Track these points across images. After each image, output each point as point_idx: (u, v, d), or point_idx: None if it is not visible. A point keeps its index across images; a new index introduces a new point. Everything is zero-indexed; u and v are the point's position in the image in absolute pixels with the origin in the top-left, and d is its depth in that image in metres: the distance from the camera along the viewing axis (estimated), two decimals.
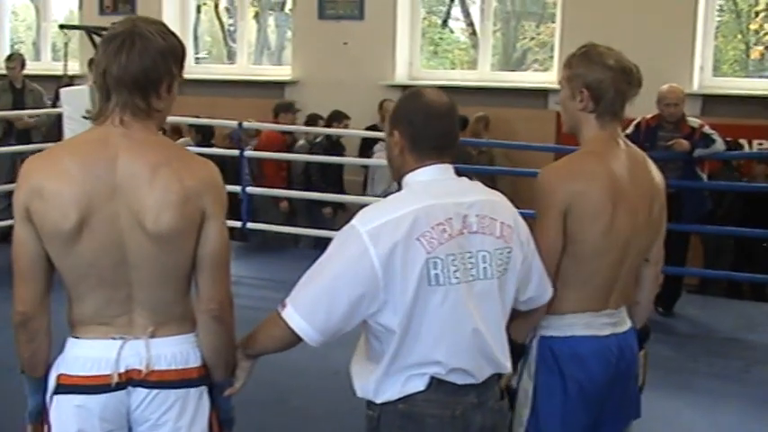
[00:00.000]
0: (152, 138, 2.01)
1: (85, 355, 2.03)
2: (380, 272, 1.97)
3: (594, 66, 2.39)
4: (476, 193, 2.13)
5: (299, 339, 2.05)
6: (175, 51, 2.02)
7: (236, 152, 7.56)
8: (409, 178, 2.13)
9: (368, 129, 8.10)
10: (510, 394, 2.45)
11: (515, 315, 2.32)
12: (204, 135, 8.19)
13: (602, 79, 2.38)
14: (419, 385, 2.06)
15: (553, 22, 8.76)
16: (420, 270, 1.98)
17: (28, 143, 7.86)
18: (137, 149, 1.96)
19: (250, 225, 7.39)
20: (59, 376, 2.05)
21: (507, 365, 2.18)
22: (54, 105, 7.87)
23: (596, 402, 2.46)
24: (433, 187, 2.09)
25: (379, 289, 1.98)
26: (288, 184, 8.07)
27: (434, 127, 2.10)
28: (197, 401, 2.10)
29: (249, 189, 7.45)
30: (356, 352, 2.20)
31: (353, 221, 2.04)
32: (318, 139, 8.03)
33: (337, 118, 8.09)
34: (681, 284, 6.49)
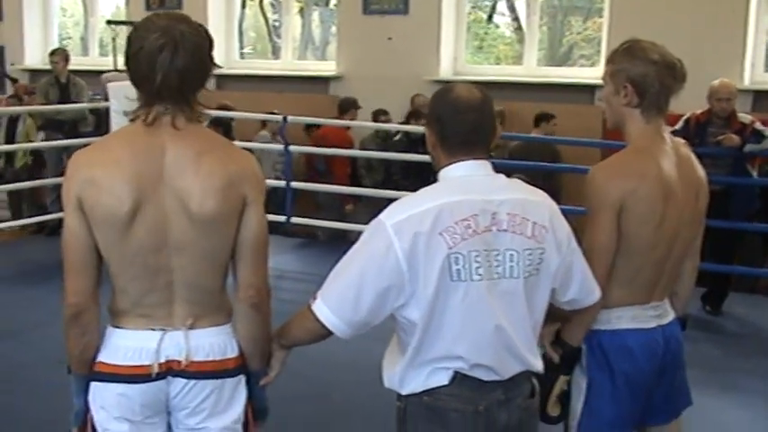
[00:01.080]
0: (196, 128, 2.08)
1: (126, 344, 2.08)
2: (405, 265, 1.99)
3: (638, 60, 2.39)
4: (510, 192, 2.11)
5: (329, 332, 2.08)
6: (211, 45, 2.07)
7: (280, 147, 7.59)
8: (443, 173, 2.14)
9: (403, 122, 8.11)
10: (565, 395, 2.49)
11: (568, 318, 2.34)
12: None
13: (647, 73, 2.38)
14: (443, 379, 2.08)
15: (600, 17, 8.66)
16: (441, 264, 1.99)
17: (76, 137, 8.01)
18: (182, 138, 2.03)
19: (294, 219, 7.43)
20: (99, 363, 2.10)
21: (536, 364, 2.17)
22: (105, 99, 7.97)
23: (645, 393, 2.49)
24: (465, 183, 2.08)
25: (405, 282, 2.00)
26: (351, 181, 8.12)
27: (462, 122, 2.09)
28: (233, 390, 2.16)
29: (293, 184, 7.48)
30: (389, 345, 2.21)
31: (381, 215, 2.06)
32: (398, 137, 7.97)
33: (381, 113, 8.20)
34: (729, 283, 6.39)
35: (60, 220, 8.29)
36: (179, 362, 2.08)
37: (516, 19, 9.76)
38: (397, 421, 2.17)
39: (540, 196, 2.17)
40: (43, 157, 8.46)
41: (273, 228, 8.68)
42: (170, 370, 2.08)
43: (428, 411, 2.09)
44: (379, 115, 8.24)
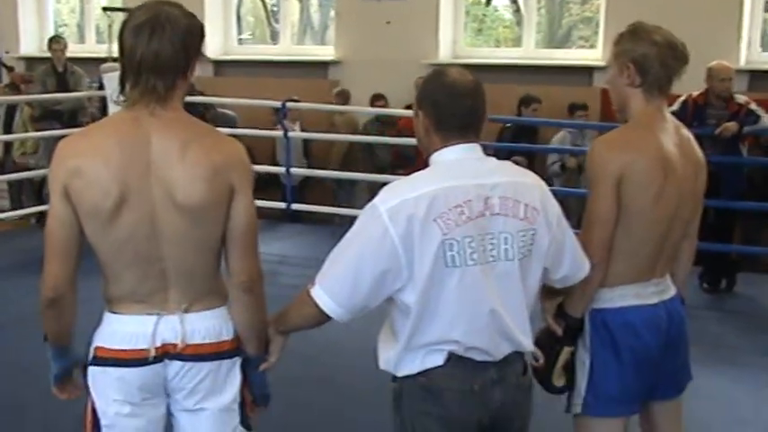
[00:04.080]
0: (182, 116, 2.10)
1: (123, 330, 2.13)
2: (401, 249, 2.01)
3: (641, 41, 2.45)
4: (501, 174, 2.14)
5: (327, 317, 2.12)
6: (201, 30, 2.10)
7: (280, 133, 7.61)
8: (435, 157, 2.15)
9: (407, 107, 8.12)
10: (569, 368, 2.54)
11: (570, 291, 2.39)
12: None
13: (648, 54, 2.43)
14: (438, 360, 2.12)
15: None
16: (436, 251, 2.02)
17: (75, 126, 8.02)
18: (168, 127, 2.05)
19: (295, 206, 7.46)
20: (97, 348, 2.15)
21: (526, 344, 2.21)
22: (100, 88, 7.98)
23: (651, 368, 2.53)
24: (457, 167, 2.10)
25: (402, 266, 2.03)
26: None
27: (459, 106, 2.11)
28: (228, 372, 2.21)
29: (293, 170, 7.51)
30: (383, 327, 2.24)
31: (375, 199, 2.08)
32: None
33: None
34: (726, 261, 6.43)
35: None
36: (175, 345, 2.12)
37: (515, 1, 9.74)
38: (393, 402, 2.21)
39: (530, 178, 2.21)
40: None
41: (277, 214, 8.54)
42: (167, 353, 2.12)
43: (423, 391, 2.13)
44: (375, 100, 8.27)
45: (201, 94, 8.03)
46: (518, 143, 7.39)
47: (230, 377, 2.22)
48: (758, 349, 5.23)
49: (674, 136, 2.48)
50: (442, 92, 2.12)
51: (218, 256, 2.16)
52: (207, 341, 2.15)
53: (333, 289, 2.08)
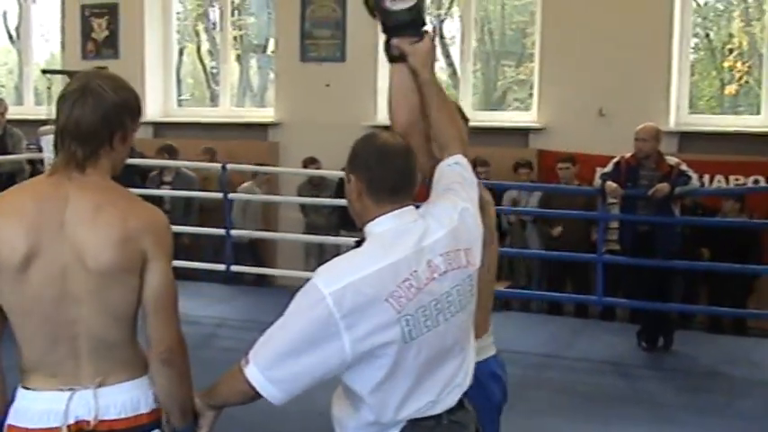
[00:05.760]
0: (102, 182, 2.09)
1: (35, 407, 2.06)
2: (346, 335, 1.95)
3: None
4: (436, 228, 2.10)
5: (260, 396, 2.04)
6: (129, 105, 2.11)
7: (220, 195, 7.61)
8: (371, 228, 2.11)
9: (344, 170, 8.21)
10: None
11: None
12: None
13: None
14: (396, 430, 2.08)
15: (532, 61, 8.89)
16: (393, 333, 1.97)
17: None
18: (84, 190, 2.04)
19: (234, 268, 7.41)
20: (9, 427, 2.08)
21: (469, 382, 2.20)
22: (39, 151, 7.89)
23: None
24: (395, 238, 2.05)
25: (347, 351, 1.96)
26: None
27: (390, 167, 2.09)
28: None
29: (234, 232, 7.49)
30: (336, 394, 2.18)
31: (315, 280, 1.99)
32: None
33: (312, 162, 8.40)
34: (663, 319, 6.55)
35: None
36: (88, 422, 2.05)
37: (451, 64, 9.95)
38: None
39: (446, 201, 2.20)
40: None
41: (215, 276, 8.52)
42: (80, 430, 2.05)
43: None
44: (309, 162, 8.35)
45: (141, 155, 8.01)
46: None
47: None
48: (697, 407, 5.29)
49: None
50: (374, 154, 2.10)
51: (132, 323, 2.11)
52: (122, 416, 2.08)
53: (270, 372, 1.99)
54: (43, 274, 2.00)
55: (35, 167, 8.03)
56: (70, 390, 2.05)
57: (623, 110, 7.46)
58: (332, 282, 1.97)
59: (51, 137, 7.05)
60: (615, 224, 6.90)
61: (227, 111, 9.75)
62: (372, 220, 2.11)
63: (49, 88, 8.92)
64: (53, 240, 2.00)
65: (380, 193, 2.09)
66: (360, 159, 2.13)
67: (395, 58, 2.38)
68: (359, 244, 2.14)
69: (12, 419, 2.08)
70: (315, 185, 8.43)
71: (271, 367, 1.99)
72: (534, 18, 8.60)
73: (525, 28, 9.46)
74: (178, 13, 10.18)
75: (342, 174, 7.58)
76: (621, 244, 6.68)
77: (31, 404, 2.07)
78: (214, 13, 10.47)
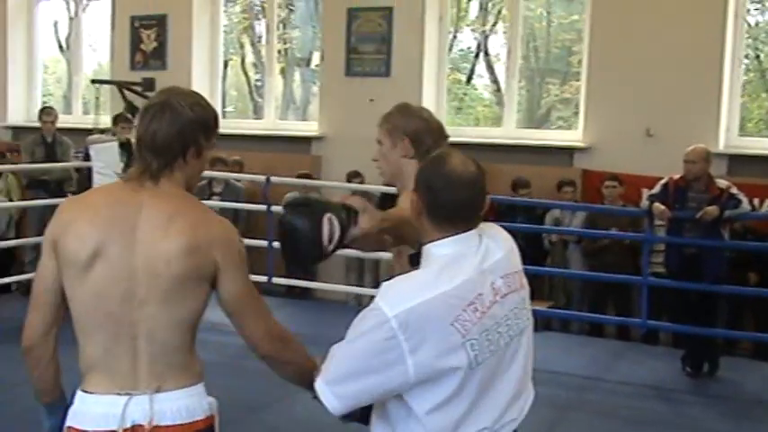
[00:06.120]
0: (175, 192, 2.18)
1: (93, 411, 2.13)
2: (413, 375, 1.93)
3: (412, 117, 2.65)
4: (495, 250, 2.10)
5: None
6: (204, 122, 2.21)
7: (263, 207, 7.63)
8: (431, 249, 2.07)
9: (387, 184, 8.21)
10: None
11: None
12: None
13: (419, 128, 2.62)
14: None
15: (577, 80, 8.83)
16: (459, 357, 1.95)
17: (61, 196, 8.02)
18: (159, 199, 2.14)
19: (275, 279, 7.43)
20: (69, 428, 2.16)
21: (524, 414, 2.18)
22: (85, 159, 8.00)
23: None
24: (457, 261, 2.02)
25: (409, 384, 1.95)
26: None
27: (452, 197, 2.03)
28: None
29: (276, 244, 7.50)
30: (378, 414, 2.13)
31: (379, 302, 1.97)
32: None
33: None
34: (709, 345, 6.43)
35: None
36: (143, 426, 2.10)
37: (495, 81, 9.91)
38: None
39: (499, 231, 2.21)
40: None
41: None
42: None
43: None
44: (352, 177, 8.34)
45: None
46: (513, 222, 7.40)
47: None
48: None
49: None
50: (439, 180, 2.04)
51: (193, 331, 2.18)
52: (177, 422, 2.13)
53: (333, 386, 2.00)
54: (109, 273, 2.09)
55: (82, 175, 8.14)
56: (127, 394, 2.11)
57: (671, 130, 7.36)
58: (396, 304, 1.95)
59: (100, 146, 7.20)
60: (661, 246, 6.80)
61: (271, 123, 9.80)
62: (432, 241, 2.07)
63: (97, 98, 9.05)
64: (123, 243, 2.09)
65: (440, 218, 2.05)
66: (424, 180, 2.08)
67: None
68: (414, 260, 2.13)
69: (71, 421, 2.16)
70: None
71: (335, 383, 2.00)
72: (581, 36, 8.55)
73: (571, 46, 9.39)
74: (224, 25, 10.27)
75: (384, 188, 7.76)
76: (667, 266, 6.58)
77: (90, 407, 2.13)
78: (260, 27, 10.55)
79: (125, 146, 7.62)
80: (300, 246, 2.11)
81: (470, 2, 9.87)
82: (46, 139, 8.29)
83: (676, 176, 6.24)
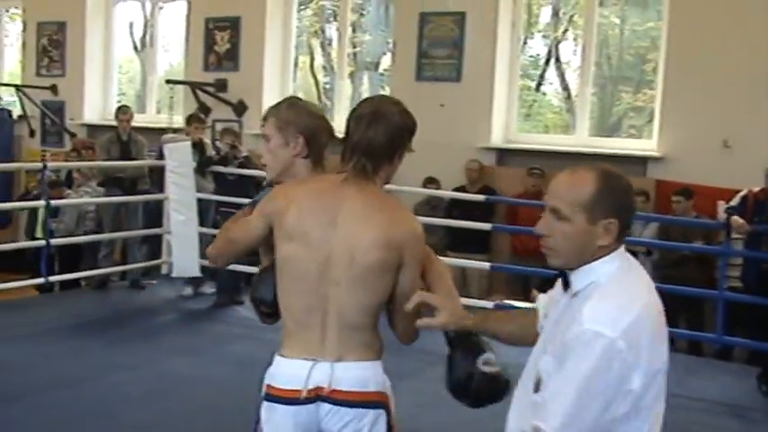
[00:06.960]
0: (378, 190, 2.45)
1: (285, 371, 2.45)
2: (640, 392, 1.89)
3: (307, 115, 2.63)
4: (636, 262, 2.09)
5: None
6: (410, 128, 2.48)
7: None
8: (600, 266, 1.98)
9: (455, 190, 8.20)
10: None
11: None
12: None
13: (316, 127, 2.62)
14: None
15: (651, 88, 8.67)
16: (662, 378, 1.93)
17: (135, 193, 8.17)
18: (362, 195, 2.41)
19: None
20: (267, 386, 2.48)
21: None
22: (159, 157, 8.13)
23: None
24: (630, 272, 2.00)
25: (634, 406, 1.90)
26: None
27: (634, 206, 2.08)
28: (371, 424, 2.43)
29: None
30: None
31: (598, 329, 1.84)
32: None
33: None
34: None
35: (109, 275, 8.26)
36: (323, 388, 2.39)
37: (566, 88, 9.80)
38: None
39: None
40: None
41: None
42: (318, 396, 2.40)
43: None
44: (428, 182, 8.33)
45: (257, 167, 8.14)
46: None
47: (373, 429, 2.42)
48: None
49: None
50: (629, 197, 2.02)
51: (377, 313, 2.44)
52: (353, 389, 2.40)
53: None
54: (312, 253, 2.38)
55: (156, 174, 8.26)
56: (313, 360, 2.41)
57: (749, 142, 7.19)
58: (614, 323, 1.85)
59: (173, 145, 7.30)
60: (738, 260, 6.63)
61: (339, 126, 9.81)
62: (600, 258, 1.99)
63: (171, 98, 9.19)
64: (326, 228, 2.38)
65: (623, 233, 2.00)
66: (622, 203, 1.99)
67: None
68: (563, 279, 2.05)
69: (268, 380, 2.49)
70: (433, 206, 8.40)
71: (567, 428, 1.86)
72: (656, 43, 8.40)
73: (645, 53, 9.24)
74: (296, 27, 10.35)
75: (453, 194, 7.72)
76: (744, 281, 6.43)
77: (283, 369, 2.46)
78: (330, 30, 10.61)
79: (197, 146, 7.75)
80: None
81: (542, 8, 9.79)
82: (121, 137, 8.41)
83: (756, 189, 6.10)
